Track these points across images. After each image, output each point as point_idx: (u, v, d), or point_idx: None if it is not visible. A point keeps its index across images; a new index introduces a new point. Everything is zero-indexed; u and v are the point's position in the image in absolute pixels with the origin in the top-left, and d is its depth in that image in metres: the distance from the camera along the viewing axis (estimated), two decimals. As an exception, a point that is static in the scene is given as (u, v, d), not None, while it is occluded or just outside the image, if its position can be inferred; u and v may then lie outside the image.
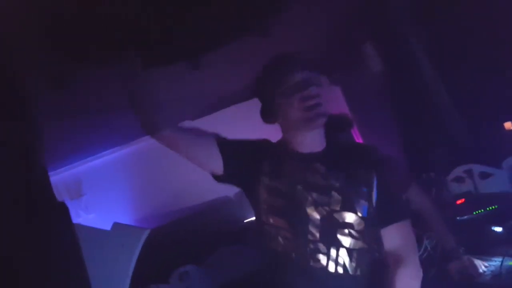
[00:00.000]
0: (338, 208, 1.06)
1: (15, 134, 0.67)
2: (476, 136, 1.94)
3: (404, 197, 1.73)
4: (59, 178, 2.92)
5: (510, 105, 1.73)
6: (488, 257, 1.53)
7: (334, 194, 1.06)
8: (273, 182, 1.10)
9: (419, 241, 1.89)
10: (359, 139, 2.91)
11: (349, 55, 2.65)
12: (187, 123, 2.91)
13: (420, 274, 1.11)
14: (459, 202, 2.01)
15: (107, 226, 2.41)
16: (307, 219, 1.05)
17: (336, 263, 1.04)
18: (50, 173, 0.85)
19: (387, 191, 1.12)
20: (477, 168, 2.01)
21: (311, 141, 1.13)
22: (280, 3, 1.83)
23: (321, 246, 1.04)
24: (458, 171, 2.07)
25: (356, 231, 1.06)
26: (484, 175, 1.98)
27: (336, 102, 3.10)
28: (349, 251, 1.04)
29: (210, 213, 2.86)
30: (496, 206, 1.82)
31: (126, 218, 2.88)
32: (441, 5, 1.89)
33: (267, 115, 1.15)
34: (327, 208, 1.05)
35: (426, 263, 1.82)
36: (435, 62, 2.07)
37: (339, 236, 1.04)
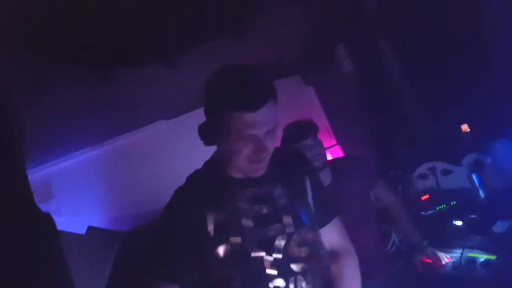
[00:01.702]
0: (292, 230, 1.01)
1: None
2: (438, 136, 2.05)
3: (372, 194, 1.81)
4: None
5: (470, 107, 1.84)
6: (449, 249, 1.63)
7: (285, 218, 1.01)
8: (218, 220, 1.00)
9: (387, 236, 1.99)
10: (332, 139, 2.99)
11: (323, 57, 2.72)
12: (161, 123, 2.90)
13: (357, 263, 1.10)
14: (423, 198, 2.12)
15: (79, 229, 2.36)
16: (263, 268, 0.98)
17: None
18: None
19: (319, 193, 1.10)
20: (439, 166, 2.13)
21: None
22: (257, 5, 1.86)
23: (280, 283, 0.97)
24: (422, 168, 2.19)
25: (308, 245, 1.02)
26: (446, 172, 2.11)
27: (309, 102, 3.17)
28: (304, 275, 0.99)
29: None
30: (454, 202, 1.94)
31: (98, 220, 2.81)
32: (411, 9, 1.98)
33: (210, 136, 1.00)
34: (281, 241, 0.99)
35: (394, 256, 1.92)
36: (403, 66, 2.18)
37: (292, 266, 0.99)
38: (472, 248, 1.54)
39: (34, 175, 2.89)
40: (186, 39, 1.96)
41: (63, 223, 2.82)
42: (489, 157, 1.86)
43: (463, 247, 1.55)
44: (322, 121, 3.01)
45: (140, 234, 2.45)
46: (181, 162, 2.84)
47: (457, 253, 1.58)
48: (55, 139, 2.63)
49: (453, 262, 1.55)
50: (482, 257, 1.46)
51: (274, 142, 0.99)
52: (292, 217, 1.01)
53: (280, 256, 0.98)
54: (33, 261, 0.61)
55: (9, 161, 0.66)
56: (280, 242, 0.99)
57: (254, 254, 0.98)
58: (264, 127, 0.93)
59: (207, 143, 1.02)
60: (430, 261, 1.62)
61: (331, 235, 1.09)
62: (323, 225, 1.08)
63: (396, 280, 1.69)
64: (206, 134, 1.01)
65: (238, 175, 1.03)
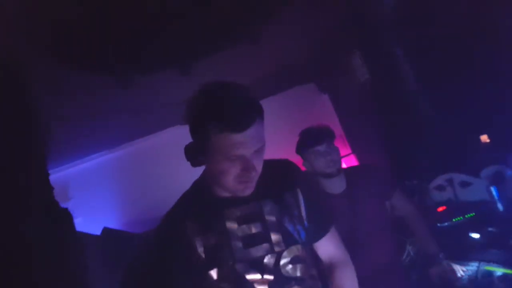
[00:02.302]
0: (282, 247, 0.99)
1: (19, 137, 0.68)
2: (457, 146, 2.02)
3: (387, 204, 1.79)
4: (46, 181, 2.88)
5: (489, 118, 1.80)
6: (465, 262, 1.59)
7: (274, 236, 0.99)
8: (207, 243, 0.98)
9: (402, 247, 1.95)
10: (346, 148, 2.97)
11: (337, 64, 2.72)
12: (178, 128, 2.93)
13: (354, 272, 1.08)
14: (440, 209, 2.08)
15: (94, 230, 2.40)
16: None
17: None
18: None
19: (313, 204, 1.07)
20: (457, 177, 2.08)
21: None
22: (271, 13, 1.88)
23: None
24: (440, 179, 2.14)
25: (300, 262, 1.00)
26: (464, 184, 2.06)
27: (324, 109, 3.16)
28: None
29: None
30: (473, 214, 1.89)
31: (113, 222, 2.86)
32: (426, 16, 1.96)
33: (198, 157, 0.97)
34: (271, 260, 0.98)
35: (408, 268, 1.88)
36: (420, 74, 2.15)
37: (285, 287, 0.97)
38: (489, 261, 1.50)
39: (51, 177, 2.97)
40: (201, 46, 1.99)
41: (79, 224, 2.87)
42: (509, 169, 1.82)
43: (480, 260, 1.51)
44: (336, 130, 3.00)
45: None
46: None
47: (473, 266, 1.54)
48: (73, 142, 2.70)
49: (469, 275, 1.51)
50: (499, 270, 1.42)
51: (262, 162, 0.97)
52: (281, 234, 1.00)
53: (271, 277, 0.97)
54: (53, 253, 0.63)
55: (32, 158, 0.69)
56: (270, 261, 0.98)
57: (247, 276, 0.96)
58: (252, 147, 0.91)
59: (194, 164, 0.99)
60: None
61: (328, 247, 1.07)
62: (320, 237, 1.06)
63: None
64: (193, 155, 0.98)
65: (226, 194, 1.01)
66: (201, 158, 0.97)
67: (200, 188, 1.06)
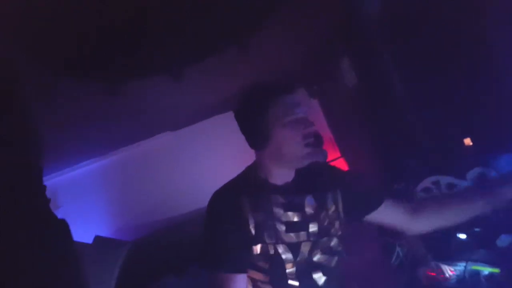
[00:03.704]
0: (316, 238, 1.12)
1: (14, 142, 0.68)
2: (442, 149, 2.06)
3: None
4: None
5: (473, 120, 1.85)
6: (453, 262, 1.62)
7: (311, 226, 1.12)
8: (258, 220, 1.10)
9: (391, 249, 1.98)
10: (336, 152, 3.00)
11: (326, 70, 2.75)
12: (167, 134, 2.93)
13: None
14: (428, 211, 2.11)
15: (84, 238, 2.37)
16: (286, 273, 1.10)
17: None
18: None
19: (353, 202, 1.19)
20: (444, 180, 2.12)
21: (287, 172, 1.16)
22: (261, 18, 1.90)
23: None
24: (427, 182, 2.18)
25: (331, 254, 1.14)
26: (451, 186, 2.10)
27: (313, 115, 3.19)
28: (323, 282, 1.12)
29: (190, 224, 2.86)
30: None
31: (103, 230, 2.83)
32: (415, 22, 2.01)
33: (259, 141, 1.11)
34: (307, 246, 1.11)
35: (398, 270, 1.91)
36: (406, 79, 2.20)
37: (315, 277, 1.11)
38: (476, 261, 1.53)
39: (41, 185, 2.93)
40: (191, 52, 2.00)
41: (67, 233, 2.83)
42: (493, 171, 1.86)
43: (467, 260, 1.55)
44: (326, 134, 3.03)
45: (148, 243, 2.47)
46: (187, 173, 2.87)
47: (461, 266, 1.57)
48: (62, 150, 2.67)
49: (457, 275, 1.54)
50: (486, 270, 1.45)
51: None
52: (317, 226, 1.11)
53: (303, 258, 1.09)
54: (51, 266, 0.63)
55: (27, 167, 0.69)
56: (305, 248, 1.10)
57: (283, 256, 1.08)
58: (305, 107, 1.08)
59: (258, 147, 1.12)
60: (434, 274, 1.61)
61: (386, 212, 1.21)
62: (372, 210, 1.19)
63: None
64: (257, 136, 1.10)
65: (277, 181, 1.13)
66: (263, 144, 1.10)
67: (252, 172, 1.18)
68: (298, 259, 1.09)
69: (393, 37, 2.16)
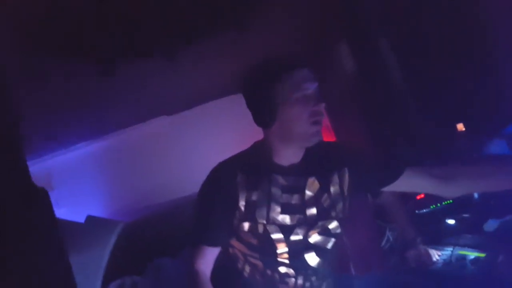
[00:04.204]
0: (313, 223, 1.10)
1: None
2: (434, 135, 2.08)
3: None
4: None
5: (466, 106, 1.86)
6: (441, 246, 1.66)
7: (309, 210, 1.10)
8: (250, 198, 1.09)
9: (382, 233, 2.01)
10: (332, 136, 3.01)
11: (324, 54, 2.73)
12: (164, 119, 2.92)
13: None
14: (419, 197, 2.15)
15: (79, 220, 2.39)
16: (277, 252, 1.10)
17: (305, 281, 1.11)
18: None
19: (371, 167, 1.15)
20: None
21: (294, 152, 1.12)
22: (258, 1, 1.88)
23: (290, 272, 1.11)
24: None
25: (329, 236, 1.13)
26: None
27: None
28: (316, 269, 1.13)
29: (185, 208, 2.88)
30: (451, 201, 1.96)
31: (98, 212, 2.85)
32: (411, 7, 2.00)
33: (265, 119, 1.06)
34: (302, 229, 1.10)
35: (388, 253, 1.95)
36: (401, 64, 2.20)
37: (307, 257, 1.11)
38: (463, 246, 1.57)
39: (34, 167, 2.91)
40: (188, 33, 1.98)
41: (62, 214, 2.85)
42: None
43: (454, 245, 1.58)
44: (323, 120, 3.03)
45: (143, 225, 2.50)
46: (182, 157, 2.88)
47: (448, 251, 1.61)
48: (56, 132, 2.66)
49: (444, 259, 1.58)
50: (472, 254, 1.49)
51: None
52: (316, 209, 1.10)
53: (297, 240, 1.08)
54: (31, 237, 0.64)
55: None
56: (300, 230, 1.08)
57: (273, 237, 1.07)
58: (315, 83, 1.05)
59: (264, 125, 1.08)
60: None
61: (409, 181, 1.15)
62: (391, 181, 1.14)
63: (393, 274, 1.72)
64: (262, 118, 1.07)
65: (281, 161, 1.10)
66: (270, 122, 1.06)
67: (258, 149, 1.15)
68: (291, 239, 1.08)
69: (390, 21, 2.15)
